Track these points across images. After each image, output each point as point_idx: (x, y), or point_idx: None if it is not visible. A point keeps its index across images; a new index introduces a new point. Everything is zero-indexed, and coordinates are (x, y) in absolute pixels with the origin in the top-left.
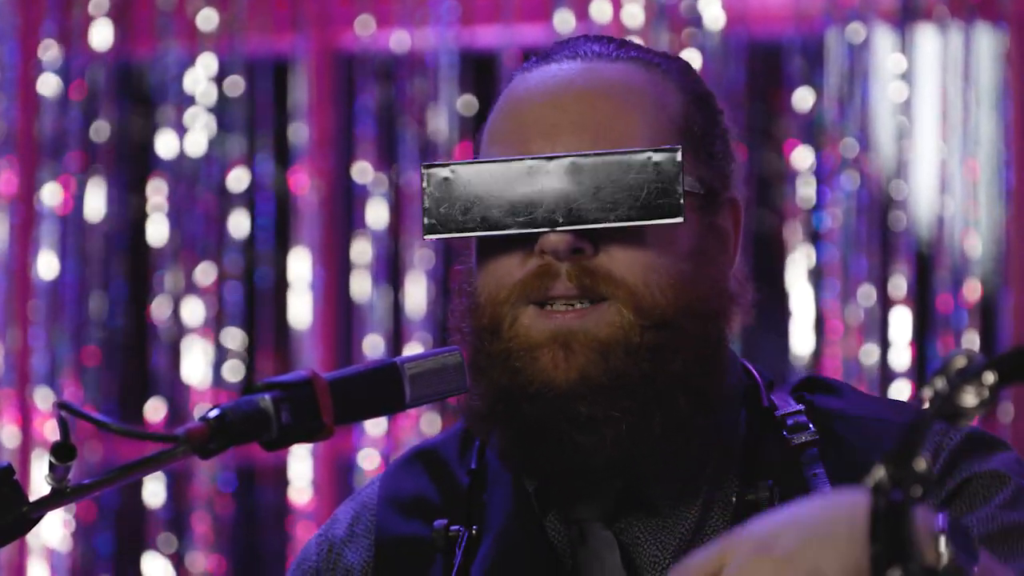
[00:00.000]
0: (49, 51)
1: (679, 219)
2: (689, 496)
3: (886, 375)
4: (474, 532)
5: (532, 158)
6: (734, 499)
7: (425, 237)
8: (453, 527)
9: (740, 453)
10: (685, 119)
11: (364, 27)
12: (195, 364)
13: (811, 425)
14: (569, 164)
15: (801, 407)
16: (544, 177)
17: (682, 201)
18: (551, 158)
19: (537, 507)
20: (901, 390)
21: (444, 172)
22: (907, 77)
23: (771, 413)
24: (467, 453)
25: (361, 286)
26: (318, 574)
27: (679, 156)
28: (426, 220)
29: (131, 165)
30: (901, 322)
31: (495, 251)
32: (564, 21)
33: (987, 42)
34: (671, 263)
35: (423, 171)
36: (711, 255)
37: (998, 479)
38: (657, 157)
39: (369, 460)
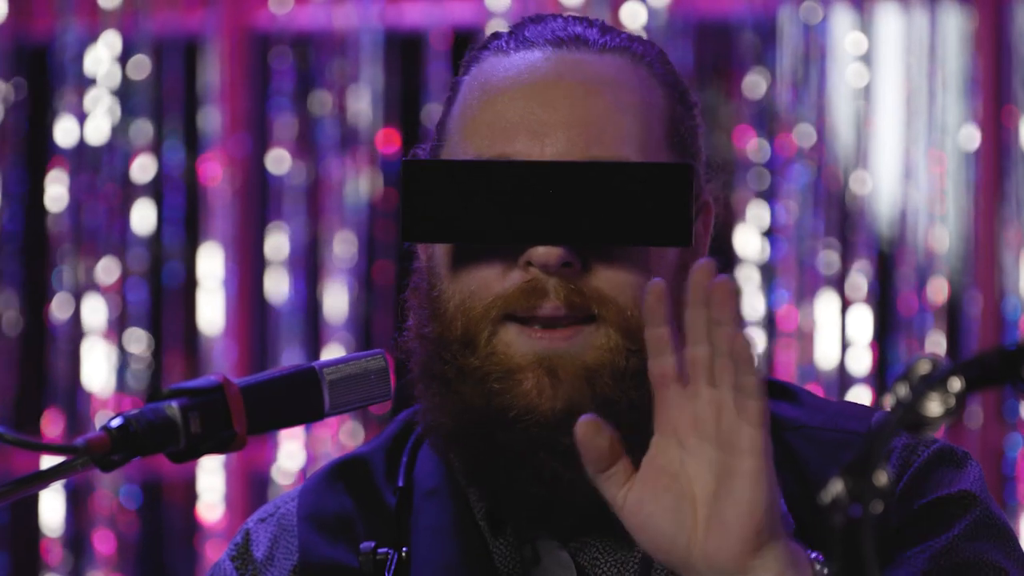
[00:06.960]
0: None
1: (687, 245)
2: None
3: (844, 380)
4: (403, 554)
5: (523, 162)
6: None
7: (404, 242)
8: (381, 550)
9: None
10: (672, 121)
11: (280, 3)
12: (96, 369)
13: None
14: (564, 170)
15: None
16: (535, 183)
17: (692, 225)
18: (544, 163)
19: (488, 528)
20: (860, 396)
21: (426, 169)
22: (867, 59)
23: None
24: (394, 469)
25: (277, 285)
26: None
27: (688, 175)
28: (406, 222)
29: (28, 153)
30: (861, 323)
31: (471, 256)
32: None
33: (954, 22)
34: None
35: (404, 167)
36: (690, 268)
37: (964, 502)
38: (663, 173)
39: (284, 474)
